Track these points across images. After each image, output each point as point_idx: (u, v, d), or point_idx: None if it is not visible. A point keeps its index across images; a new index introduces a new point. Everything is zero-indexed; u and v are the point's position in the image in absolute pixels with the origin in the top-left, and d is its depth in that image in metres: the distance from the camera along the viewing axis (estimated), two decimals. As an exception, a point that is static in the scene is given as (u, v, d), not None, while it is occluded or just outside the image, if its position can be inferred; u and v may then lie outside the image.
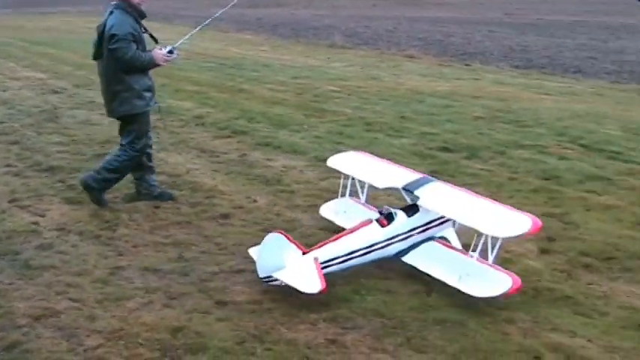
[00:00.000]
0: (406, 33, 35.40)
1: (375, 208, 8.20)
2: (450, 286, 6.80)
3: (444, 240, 7.51)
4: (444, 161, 11.60)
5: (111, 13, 8.82)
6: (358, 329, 6.29)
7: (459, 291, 6.70)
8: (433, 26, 39.88)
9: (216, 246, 8.08)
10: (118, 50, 8.68)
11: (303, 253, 6.89)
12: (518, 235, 6.95)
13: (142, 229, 8.55)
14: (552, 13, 52.01)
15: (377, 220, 7.34)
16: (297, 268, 6.72)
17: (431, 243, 7.46)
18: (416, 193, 7.53)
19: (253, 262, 7.04)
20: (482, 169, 10.83)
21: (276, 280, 6.74)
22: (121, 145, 9.29)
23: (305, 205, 9.45)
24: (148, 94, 9.07)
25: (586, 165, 11.50)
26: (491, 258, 6.86)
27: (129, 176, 9.53)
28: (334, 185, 10.17)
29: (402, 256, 7.31)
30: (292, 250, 6.87)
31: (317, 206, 9.16)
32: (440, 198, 7.53)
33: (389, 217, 7.36)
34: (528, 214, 7.04)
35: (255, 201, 9.63)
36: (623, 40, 34.34)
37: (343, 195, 8.59)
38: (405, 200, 7.82)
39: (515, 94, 18.57)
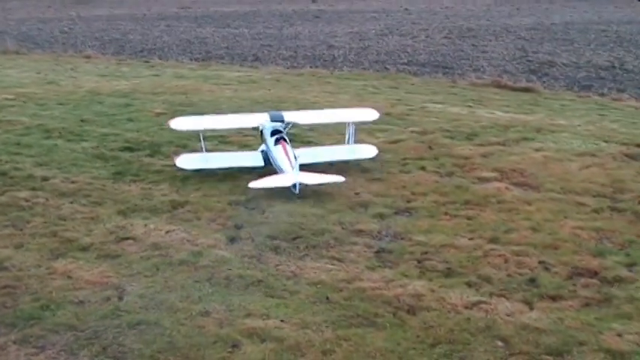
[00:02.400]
0: (82, 33, 34.49)
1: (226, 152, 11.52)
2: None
3: None
4: (127, 161, 11.46)
5: None
6: (51, 346, 6.08)
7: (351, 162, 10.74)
8: (110, 24, 39.19)
9: None
10: None
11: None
12: (374, 119, 11.63)
13: None
14: (228, 4, 53.04)
15: (284, 141, 10.29)
16: (307, 175, 9.61)
17: (298, 149, 10.69)
18: (286, 120, 10.83)
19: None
20: (165, 165, 10.81)
21: (296, 187, 9.41)
22: None
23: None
24: None
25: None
26: (352, 140, 11.03)
27: None
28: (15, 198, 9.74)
29: (296, 159, 9.91)
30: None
31: (-1, 225, 8.78)
32: (308, 116, 11.78)
33: (284, 139, 10.33)
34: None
35: None
36: (297, 26, 35.77)
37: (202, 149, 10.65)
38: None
39: (196, 86, 18.74)
